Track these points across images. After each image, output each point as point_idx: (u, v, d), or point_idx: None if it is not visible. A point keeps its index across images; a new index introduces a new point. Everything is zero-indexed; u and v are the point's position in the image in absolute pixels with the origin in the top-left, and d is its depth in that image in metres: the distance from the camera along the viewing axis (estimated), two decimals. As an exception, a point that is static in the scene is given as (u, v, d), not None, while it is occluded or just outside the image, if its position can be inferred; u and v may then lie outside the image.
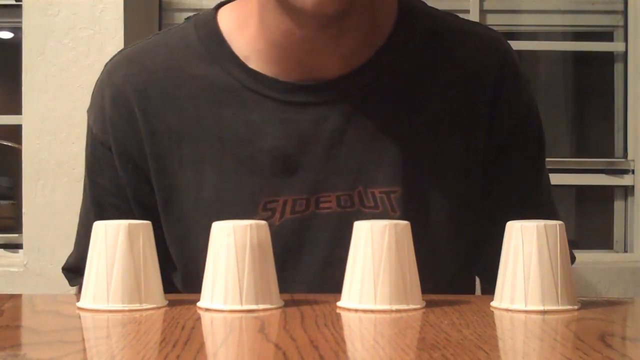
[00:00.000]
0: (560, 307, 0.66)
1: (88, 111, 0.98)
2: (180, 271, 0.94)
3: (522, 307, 0.66)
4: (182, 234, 0.92)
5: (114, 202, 0.95)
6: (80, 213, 1.00)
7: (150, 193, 0.93)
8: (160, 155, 0.92)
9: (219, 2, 0.98)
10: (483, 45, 0.95)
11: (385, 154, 0.89)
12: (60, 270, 1.00)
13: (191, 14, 1.02)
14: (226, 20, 0.94)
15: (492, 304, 0.68)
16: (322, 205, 0.89)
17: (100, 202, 0.96)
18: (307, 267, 0.89)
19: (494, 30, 1.00)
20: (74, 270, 0.98)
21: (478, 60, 0.94)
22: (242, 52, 0.91)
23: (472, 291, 1.03)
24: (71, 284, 0.99)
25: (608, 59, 2.33)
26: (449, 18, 0.99)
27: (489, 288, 0.95)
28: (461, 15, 1.04)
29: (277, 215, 0.89)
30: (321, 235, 0.89)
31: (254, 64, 0.91)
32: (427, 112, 0.91)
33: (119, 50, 1.00)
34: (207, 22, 0.94)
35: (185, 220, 0.91)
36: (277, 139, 0.89)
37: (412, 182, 0.89)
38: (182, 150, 0.91)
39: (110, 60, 0.98)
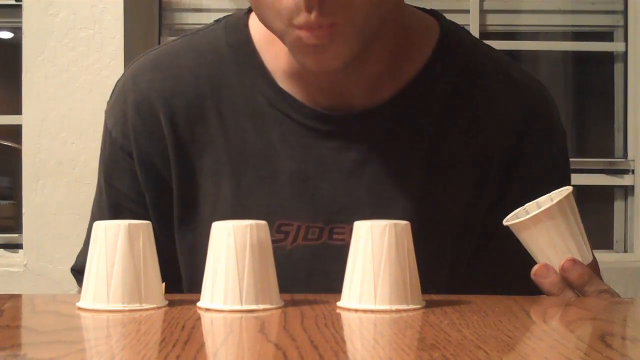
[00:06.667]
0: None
1: (107, 112, 0.95)
2: (186, 281, 0.93)
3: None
4: (194, 244, 0.91)
5: (131, 207, 0.93)
6: (93, 213, 0.98)
7: (169, 201, 0.91)
8: (184, 165, 0.90)
9: (220, 2, 0.95)
10: (516, 93, 0.92)
11: (402, 190, 0.88)
12: (60, 270, 0.99)
13: (191, 14, 1.01)
14: (257, 27, 0.90)
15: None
16: (335, 236, 0.88)
17: (117, 207, 0.94)
18: None
19: (535, 79, 0.96)
20: (83, 272, 0.96)
21: (507, 107, 0.91)
22: (271, 63, 0.89)
23: None
24: (80, 284, 0.98)
25: (608, 59, 2.33)
26: (492, 55, 0.95)
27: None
28: (461, 15, 1.02)
29: (290, 239, 0.88)
30: (332, 266, 0.85)
31: (282, 81, 0.89)
32: (447, 151, 0.89)
33: (145, 51, 0.96)
34: (238, 28, 0.91)
35: (198, 230, 0.90)
36: (296, 162, 0.88)
37: (423, 218, 0.87)
38: (204, 160, 0.89)
39: (134, 61, 0.95)
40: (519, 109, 0.92)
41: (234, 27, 0.92)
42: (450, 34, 0.92)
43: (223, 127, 0.89)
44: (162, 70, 0.91)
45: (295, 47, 0.79)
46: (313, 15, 0.75)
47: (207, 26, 0.95)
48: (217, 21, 0.95)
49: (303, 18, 0.75)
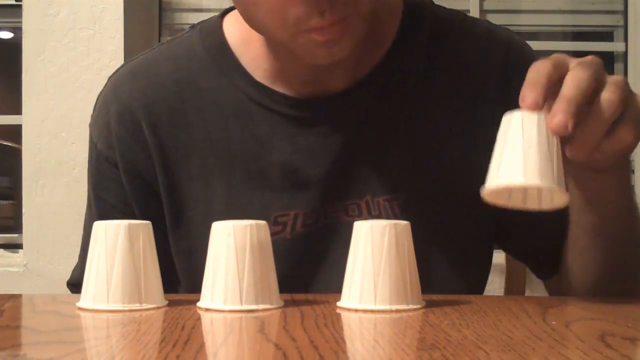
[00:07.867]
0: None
1: (91, 125, 0.96)
2: (185, 285, 0.93)
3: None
4: (190, 248, 0.91)
5: (120, 218, 0.93)
6: (85, 225, 0.98)
7: (158, 208, 0.92)
8: (170, 170, 0.91)
9: (220, 2, 0.97)
10: (488, 44, 0.93)
11: (391, 162, 0.89)
12: (60, 270, 1.00)
13: (191, 14, 1.01)
14: (232, 30, 0.92)
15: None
16: (330, 214, 0.89)
17: (107, 218, 0.94)
18: (323, 277, 0.88)
19: (502, 27, 0.97)
20: (79, 286, 0.96)
21: (482, 60, 0.92)
22: (249, 64, 0.91)
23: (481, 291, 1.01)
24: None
25: (608, 59, 2.33)
26: (454, 17, 0.96)
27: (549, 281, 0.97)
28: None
29: (289, 229, 0.88)
30: (332, 244, 0.88)
31: (260, 77, 0.90)
32: (431, 117, 0.90)
33: (123, 62, 0.97)
34: (212, 32, 0.93)
35: (193, 233, 0.90)
36: (286, 153, 0.88)
37: (414, 189, 0.88)
38: (191, 164, 0.90)
39: (114, 73, 0.97)
40: (494, 59, 0.92)
41: (209, 31, 0.93)
42: (415, 5, 0.93)
43: (207, 129, 0.90)
44: (142, 79, 0.93)
45: (306, 48, 0.79)
46: (325, 17, 0.76)
47: (182, 34, 0.97)
48: (191, 27, 0.96)
49: (315, 22, 0.76)
